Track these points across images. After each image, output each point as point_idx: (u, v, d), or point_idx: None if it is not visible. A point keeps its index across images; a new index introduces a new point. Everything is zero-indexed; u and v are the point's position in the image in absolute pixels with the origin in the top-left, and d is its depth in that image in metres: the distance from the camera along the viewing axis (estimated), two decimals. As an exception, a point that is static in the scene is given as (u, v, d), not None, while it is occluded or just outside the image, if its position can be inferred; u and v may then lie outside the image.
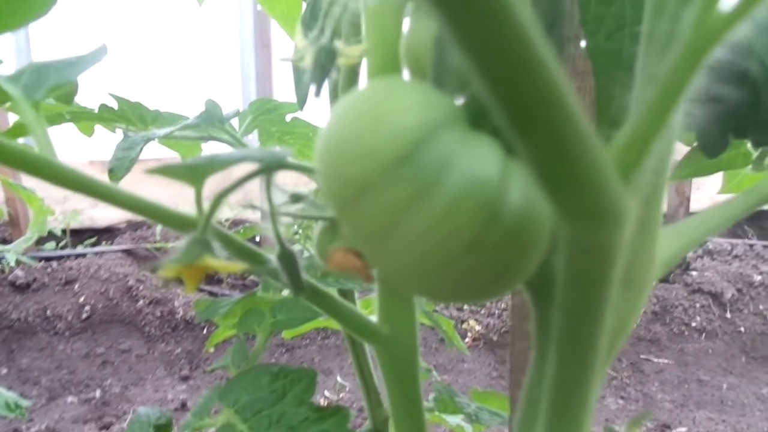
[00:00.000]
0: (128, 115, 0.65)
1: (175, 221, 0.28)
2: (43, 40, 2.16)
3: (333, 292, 0.40)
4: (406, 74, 0.30)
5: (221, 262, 0.22)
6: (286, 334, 0.92)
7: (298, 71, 0.43)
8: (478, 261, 0.18)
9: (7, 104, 0.35)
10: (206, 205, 0.25)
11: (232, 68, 2.52)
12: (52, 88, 0.31)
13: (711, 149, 0.33)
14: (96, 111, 0.62)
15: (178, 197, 2.44)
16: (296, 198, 0.27)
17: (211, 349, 1.69)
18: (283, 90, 2.17)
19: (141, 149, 0.57)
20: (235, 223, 2.13)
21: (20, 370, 1.57)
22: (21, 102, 0.30)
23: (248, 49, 2.35)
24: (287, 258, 0.26)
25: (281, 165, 0.24)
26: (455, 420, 0.82)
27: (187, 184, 0.27)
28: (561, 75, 0.13)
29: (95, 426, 1.19)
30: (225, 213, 2.11)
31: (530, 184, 0.18)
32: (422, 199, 0.17)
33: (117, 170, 0.55)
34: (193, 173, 0.26)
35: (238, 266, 0.22)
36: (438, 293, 0.19)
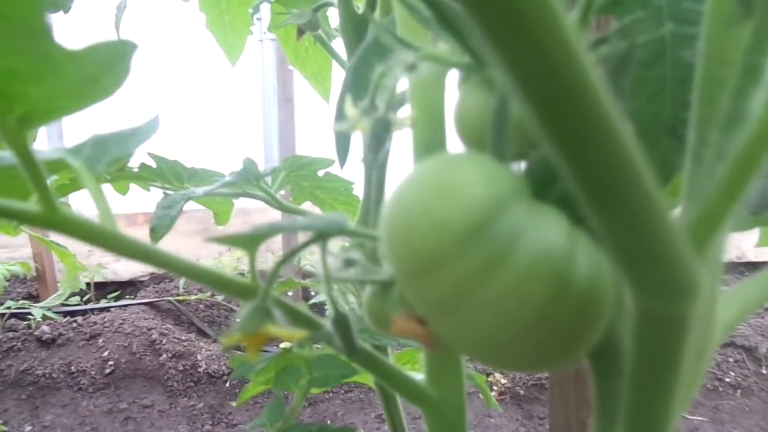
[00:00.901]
0: (165, 174, 0.67)
1: (233, 288, 0.28)
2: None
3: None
4: (450, 142, 0.31)
5: (282, 330, 0.23)
6: (313, 389, 0.91)
7: (339, 132, 0.44)
8: (548, 330, 0.18)
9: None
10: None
11: (254, 121, 2.58)
12: (111, 161, 0.32)
13: (753, 209, 0.33)
14: (135, 170, 0.64)
15: (200, 249, 2.44)
16: (349, 263, 0.28)
17: (233, 403, 1.67)
18: (305, 143, 2.21)
19: (181, 208, 0.59)
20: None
21: (44, 426, 1.56)
22: (83, 174, 0.31)
23: (271, 103, 2.41)
24: (342, 323, 0.26)
25: (341, 232, 0.24)
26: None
27: (243, 249, 0.28)
28: (639, 155, 0.14)
29: (117, 485, 1.17)
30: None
31: (595, 253, 0.19)
32: (494, 271, 0.17)
33: (158, 229, 0.56)
34: (250, 241, 0.27)
35: (299, 334, 0.23)
36: (506, 362, 0.20)
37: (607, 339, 0.22)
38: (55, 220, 0.26)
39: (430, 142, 0.30)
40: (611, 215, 0.14)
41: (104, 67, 0.23)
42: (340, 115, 0.39)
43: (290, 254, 0.25)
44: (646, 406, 0.18)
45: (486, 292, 0.17)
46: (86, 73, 0.23)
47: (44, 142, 2.12)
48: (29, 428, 1.56)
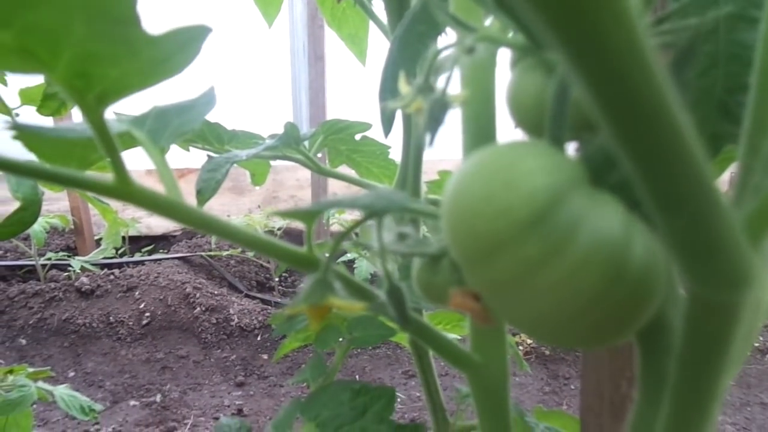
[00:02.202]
0: (206, 135, 0.69)
1: (292, 258, 0.30)
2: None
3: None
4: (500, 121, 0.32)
5: (343, 301, 0.24)
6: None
7: (390, 108, 0.45)
8: (603, 312, 0.19)
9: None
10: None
11: (282, 80, 2.57)
12: (175, 134, 0.34)
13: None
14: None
15: (230, 206, 2.49)
16: (402, 236, 0.29)
17: (264, 356, 1.73)
18: (336, 103, 2.21)
19: (227, 171, 0.60)
20: (287, 232, 2.18)
21: (86, 373, 1.64)
22: (147, 146, 0.33)
23: (300, 61, 2.39)
24: (396, 294, 0.28)
25: (402, 209, 0.25)
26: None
27: (301, 221, 0.29)
28: (702, 153, 0.14)
29: (158, 430, 1.24)
30: (277, 222, 2.16)
31: (649, 239, 0.20)
32: (555, 257, 0.18)
33: (204, 191, 0.58)
34: (309, 215, 0.28)
35: (359, 306, 0.24)
36: (562, 340, 0.21)
37: (657, 318, 0.23)
38: (130, 192, 0.27)
39: (480, 121, 0.31)
40: (673, 209, 0.15)
41: (177, 48, 0.24)
42: (387, 87, 0.39)
43: (350, 229, 0.26)
44: (694, 387, 0.19)
45: (546, 276, 0.18)
46: (160, 54, 0.24)
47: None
48: (72, 374, 1.65)
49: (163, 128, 0.32)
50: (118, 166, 0.28)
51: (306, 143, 0.71)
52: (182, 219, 0.28)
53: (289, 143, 0.64)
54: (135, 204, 0.28)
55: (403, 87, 0.30)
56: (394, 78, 0.37)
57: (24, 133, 0.31)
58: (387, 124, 0.43)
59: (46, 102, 0.69)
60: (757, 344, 1.66)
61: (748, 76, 0.22)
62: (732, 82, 0.27)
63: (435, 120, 0.26)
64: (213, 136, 0.69)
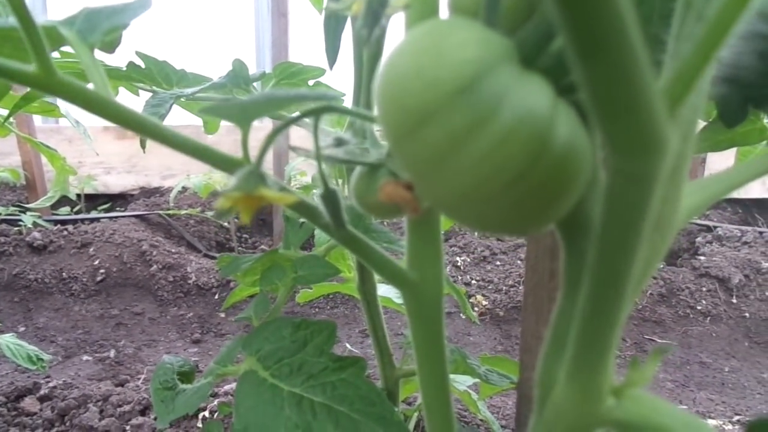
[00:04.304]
0: (154, 75, 0.66)
1: (226, 163, 0.29)
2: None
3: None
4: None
5: (275, 193, 0.24)
6: (300, 299, 0.94)
7: (330, 28, 0.44)
8: (527, 190, 0.19)
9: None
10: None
11: (246, 37, 2.51)
12: (104, 33, 0.32)
13: (730, 118, 0.34)
14: (123, 70, 0.63)
15: (191, 165, 2.44)
16: (339, 142, 0.29)
17: (222, 315, 1.72)
18: (299, 60, 2.16)
19: (170, 107, 0.58)
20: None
21: (37, 328, 1.61)
22: (76, 44, 0.31)
23: (264, 17, 2.33)
24: (331, 197, 0.27)
25: (331, 108, 0.25)
26: (463, 387, 0.84)
27: (235, 124, 0.28)
28: (630, 7, 0.14)
29: (111, 383, 1.22)
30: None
31: (575, 121, 0.20)
32: (479, 129, 0.18)
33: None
34: (243, 113, 0.27)
35: (290, 198, 0.24)
36: (486, 222, 0.21)
37: (579, 211, 0.23)
38: (53, 83, 0.26)
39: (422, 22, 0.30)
40: (597, 62, 0.15)
41: None
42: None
43: (282, 126, 0.26)
44: (610, 264, 0.19)
45: (470, 150, 0.18)
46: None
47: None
48: (23, 329, 1.61)
49: (93, 28, 0.31)
50: (42, 56, 0.26)
51: (257, 85, 0.70)
52: (110, 115, 0.27)
53: (237, 83, 0.62)
54: (60, 96, 0.27)
55: (346, -9, 0.30)
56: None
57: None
58: (331, 49, 0.42)
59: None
60: (699, 307, 1.73)
61: None
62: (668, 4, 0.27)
63: (373, 14, 0.25)
64: (161, 76, 0.66)
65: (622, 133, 0.16)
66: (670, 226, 0.23)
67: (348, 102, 0.71)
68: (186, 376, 0.58)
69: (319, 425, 0.41)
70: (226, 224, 2.32)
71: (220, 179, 2.09)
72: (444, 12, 0.31)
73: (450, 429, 0.34)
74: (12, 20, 0.28)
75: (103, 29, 0.31)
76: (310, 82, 0.73)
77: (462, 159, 0.18)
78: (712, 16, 0.15)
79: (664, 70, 0.19)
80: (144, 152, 0.65)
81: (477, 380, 0.71)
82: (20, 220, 1.97)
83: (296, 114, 0.26)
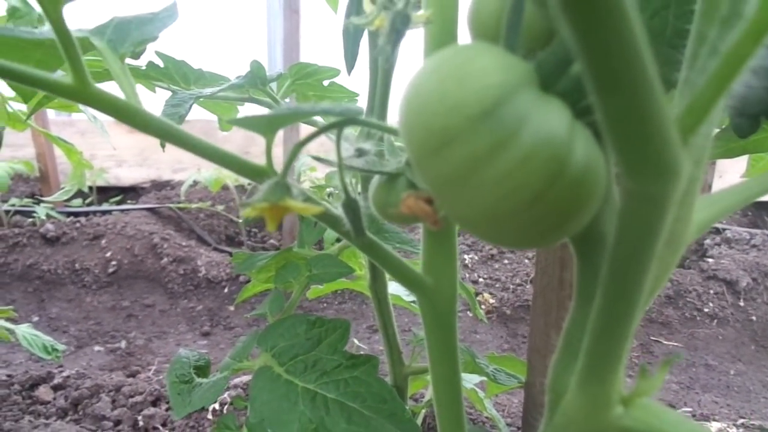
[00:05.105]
0: (172, 74, 0.67)
1: (249, 170, 0.30)
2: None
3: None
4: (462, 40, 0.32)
5: (300, 204, 0.25)
6: (311, 295, 0.95)
7: (349, 37, 0.45)
8: (544, 208, 0.20)
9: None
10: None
11: (258, 34, 2.51)
12: (135, 44, 0.33)
13: (743, 130, 0.35)
14: (142, 69, 0.64)
15: (201, 160, 2.48)
16: (360, 152, 0.30)
17: (231, 308, 1.74)
18: (310, 58, 2.17)
19: (190, 107, 0.60)
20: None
21: (50, 318, 1.63)
22: (107, 54, 0.32)
23: (276, 15, 2.34)
24: (351, 205, 0.28)
25: (356, 121, 0.26)
26: (470, 385, 0.85)
27: (260, 134, 0.29)
28: (645, 42, 0.15)
29: (123, 374, 1.24)
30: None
31: (591, 143, 0.21)
32: (500, 151, 0.19)
33: (169, 125, 0.58)
34: (269, 124, 0.28)
35: (315, 209, 0.25)
36: (503, 238, 0.22)
37: (594, 226, 0.24)
38: (87, 93, 0.27)
39: (442, 42, 0.31)
40: (614, 94, 0.16)
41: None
42: (352, 10, 0.39)
43: (309, 138, 0.27)
44: (622, 279, 0.20)
45: (491, 170, 0.19)
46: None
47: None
48: (36, 319, 1.63)
49: (123, 38, 0.32)
50: (78, 68, 0.27)
51: (274, 86, 0.71)
52: (140, 124, 0.28)
53: (254, 83, 0.63)
54: (93, 106, 0.28)
55: (368, 6, 0.31)
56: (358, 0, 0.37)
57: (-21, 32, 0.30)
58: (350, 56, 0.43)
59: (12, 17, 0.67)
60: (707, 310, 1.73)
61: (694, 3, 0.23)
62: (681, 16, 0.28)
63: (396, 32, 0.26)
64: (179, 75, 0.67)
65: (637, 160, 0.17)
66: (680, 242, 0.24)
67: (362, 101, 0.72)
68: (202, 370, 0.59)
69: (332, 421, 0.42)
70: (235, 218, 2.34)
71: (229, 174, 2.11)
72: (461, 26, 0.32)
73: (461, 428, 0.35)
74: (47, 31, 0.30)
75: (133, 40, 0.32)
76: (326, 82, 0.74)
77: (483, 179, 0.19)
78: (725, 51, 0.16)
79: (678, 96, 0.20)
80: (163, 151, 0.67)
81: (484, 378, 0.72)
82: (34, 212, 1.99)
83: (319, 125, 0.27)
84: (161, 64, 0.65)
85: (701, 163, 0.22)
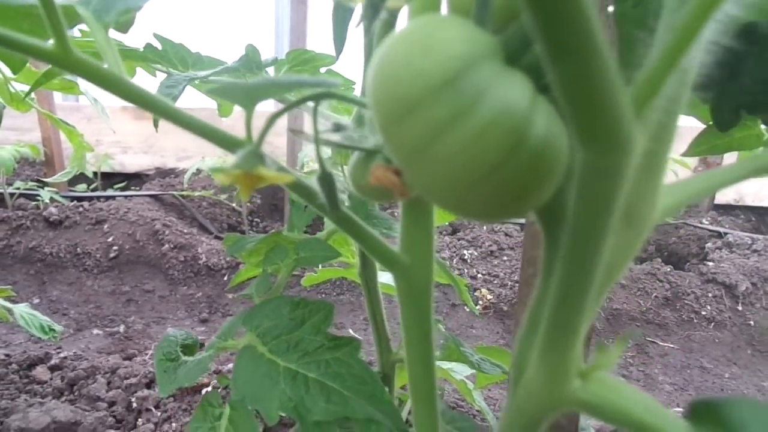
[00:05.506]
0: (170, 57, 0.68)
1: (228, 142, 0.30)
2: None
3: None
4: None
5: (272, 173, 0.25)
6: (306, 282, 0.96)
7: (338, 18, 0.45)
8: (504, 180, 0.20)
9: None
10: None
11: (266, 22, 2.52)
12: (119, 13, 0.34)
13: (723, 123, 0.35)
14: (140, 51, 0.65)
15: (205, 148, 2.46)
16: (338, 127, 0.30)
17: (230, 296, 1.75)
18: (318, 47, 2.18)
19: (184, 88, 0.60)
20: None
21: (51, 300, 1.65)
22: (91, 23, 0.33)
23: (284, 4, 2.35)
24: (327, 179, 0.29)
25: (330, 94, 0.26)
26: (460, 376, 0.86)
27: (240, 106, 0.30)
28: (596, 18, 0.15)
29: (119, 357, 1.25)
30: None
31: (553, 118, 0.21)
32: (460, 120, 0.19)
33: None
34: (247, 95, 0.29)
35: (288, 177, 0.25)
36: (466, 208, 0.22)
37: (557, 202, 0.24)
38: (69, 60, 0.28)
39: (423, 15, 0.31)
40: (566, 63, 0.16)
41: None
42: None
43: (283, 110, 0.27)
44: (579, 250, 0.20)
45: (450, 139, 0.20)
46: None
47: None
48: (37, 301, 1.65)
49: (108, 8, 0.32)
50: (59, 34, 0.28)
51: (270, 71, 0.71)
52: (122, 92, 0.29)
53: (250, 67, 0.64)
54: (76, 73, 0.28)
55: (352, -16, 0.31)
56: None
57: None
58: (339, 37, 0.43)
59: None
60: (704, 313, 1.73)
61: None
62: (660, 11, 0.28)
63: (373, 6, 0.26)
64: (177, 58, 0.68)
65: (589, 130, 0.17)
66: (645, 223, 0.25)
67: (358, 91, 0.72)
68: (189, 348, 0.60)
69: (311, 399, 0.43)
70: (238, 207, 2.35)
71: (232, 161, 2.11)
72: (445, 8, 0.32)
73: (433, 408, 0.35)
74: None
75: (117, 10, 0.32)
76: (323, 70, 0.75)
77: (443, 148, 0.20)
78: (676, 26, 0.17)
79: (638, 74, 0.20)
80: (157, 131, 0.67)
81: (474, 371, 0.72)
82: (38, 195, 2.01)
83: (295, 98, 0.28)
84: (159, 47, 0.66)
85: (663, 140, 0.22)
